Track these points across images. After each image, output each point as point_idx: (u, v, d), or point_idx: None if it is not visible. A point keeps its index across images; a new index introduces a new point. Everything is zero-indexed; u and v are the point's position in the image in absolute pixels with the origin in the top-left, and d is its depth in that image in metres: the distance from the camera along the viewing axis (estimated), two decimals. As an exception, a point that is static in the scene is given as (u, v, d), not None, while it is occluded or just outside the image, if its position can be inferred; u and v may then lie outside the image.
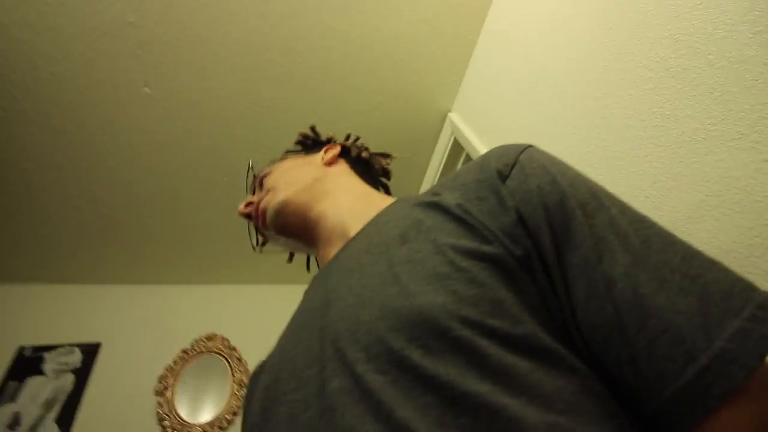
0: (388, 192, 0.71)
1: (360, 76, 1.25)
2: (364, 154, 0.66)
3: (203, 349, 1.66)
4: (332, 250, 0.49)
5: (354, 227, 0.47)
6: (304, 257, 0.71)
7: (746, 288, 0.26)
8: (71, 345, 1.49)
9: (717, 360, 0.24)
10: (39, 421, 1.28)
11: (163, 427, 1.43)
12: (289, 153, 0.69)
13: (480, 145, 1.21)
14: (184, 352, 1.62)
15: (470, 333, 0.27)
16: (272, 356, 0.40)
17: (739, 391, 0.24)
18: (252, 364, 1.62)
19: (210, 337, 1.70)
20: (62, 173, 1.24)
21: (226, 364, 1.65)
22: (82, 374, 1.43)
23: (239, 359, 1.66)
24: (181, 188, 1.40)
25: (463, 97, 1.37)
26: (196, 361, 1.63)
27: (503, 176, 0.34)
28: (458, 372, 0.26)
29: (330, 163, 0.61)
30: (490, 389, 0.26)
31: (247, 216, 0.59)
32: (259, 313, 1.80)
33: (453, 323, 0.27)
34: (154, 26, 1.02)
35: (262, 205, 0.56)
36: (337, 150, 0.63)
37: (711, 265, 0.28)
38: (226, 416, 1.51)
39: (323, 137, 0.70)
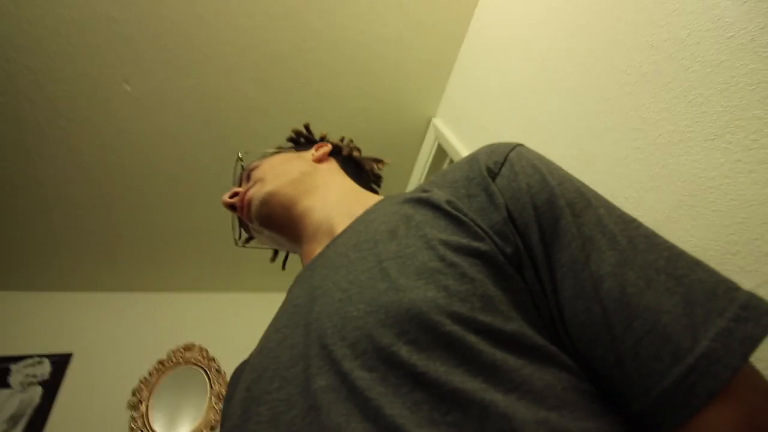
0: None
1: (344, 79, 1.25)
2: (355, 154, 0.66)
3: (180, 360, 1.60)
4: (317, 247, 0.48)
5: (341, 224, 0.47)
6: (292, 258, 0.70)
7: (730, 288, 0.26)
8: (40, 356, 1.42)
9: (702, 360, 0.24)
10: (1, 436, 1.21)
11: (136, 442, 1.37)
12: (280, 148, 0.68)
13: (464, 150, 1.22)
14: (161, 363, 1.56)
15: (460, 329, 0.27)
16: (254, 355, 0.38)
17: (724, 391, 0.24)
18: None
19: (188, 348, 1.64)
20: (32, 171, 1.19)
21: (205, 376, 1.59)
22: (50, 387, 1.35)
23: (218, 371, 1.60)
24: (157, 190, 1.36)
25: (446, 102, 1.39)
26: (172, 372, 1.57)
27: (493, 174, 0.34)
28: (448, 369, 0.26)
29: (320, 161, 0.61)
30: (480, 386, 0.25)
31: (231, 207, 0.57)
32: (239, 323, 1.75)
33: (443, 318, 0.27)
34: (136, 22, 1.00)
35: (247, 195, 0.54)
36: (328, 148, 0.63)
37: (695, 265, 0.28)
38: (204, 431, 1.45)
39: (317, 136, 0.70)
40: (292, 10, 1.08)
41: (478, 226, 0.32)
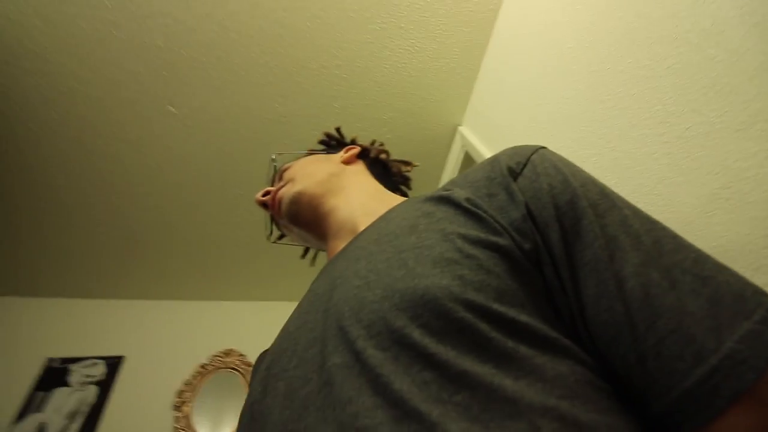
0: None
1: (369, 93, 1.29)
2: (383, 156, 0.67)
3: (220, 365, 1.68)
4: (341, 244, 0.50)
5: (364, 222, 0.49)
6: (321, 256, 0.72)
7: (757, 292, 0.26)
8: (96, 358, 1.54)
9: (726, 361, 0.24)
10: (63, 431, 1.31)
11: (179, 442, 1.44)
12: (312, 151, 0.71)
13: (490, 155, 1.21)
14: (202, 367, 1.64)
15: (473, 316, 0.27)
16: (276, 340, 0.40)
17: (747, 393, 0.23)
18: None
19: (227, 353, 1.71)
20: (91, 190, 1.31)
21: (242, 379, 1.65)
22: (104, 386, 1.46)
23: (252, 372, 1.66)
24: (201, 204, 1.46)
25: (472, 110, 1.40)
26: (213, 376, 1.64)
27: (514, 174, 0.34)
28: (458, 353, 0.26)
29: (348, 162, 0.62)
30: (490, 370, 0.26)
31: (264, 205, 0.61)
32: (275, 330, 1.80)
33: (456, 305, 0.28)
34: (179, 49, 1.09)
35: (279, 194, 0.58)
36: (356, 150, 0.65)
37: (722, 268, 0.28)
38: (241, 433, 1.50)
39: (347, 139, 0.72)
40: (319, 30, 1.14)
41: (497, 222, 0.32)
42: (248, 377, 1.65)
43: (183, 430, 1.46)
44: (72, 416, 1.35)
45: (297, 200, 0.55)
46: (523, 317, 0.28)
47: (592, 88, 0.82)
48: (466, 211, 0.34)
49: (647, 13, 0.69)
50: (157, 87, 1.15)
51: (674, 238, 0.30)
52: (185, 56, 1.11)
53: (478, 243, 0.31)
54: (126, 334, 1.63)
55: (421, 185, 1.57)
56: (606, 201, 0.32)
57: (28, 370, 1.41)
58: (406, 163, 0.71)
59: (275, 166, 0.69)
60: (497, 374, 0.25)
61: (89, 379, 1.44)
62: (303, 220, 0.56)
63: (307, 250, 0.73)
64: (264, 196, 0.61)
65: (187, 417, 1.49)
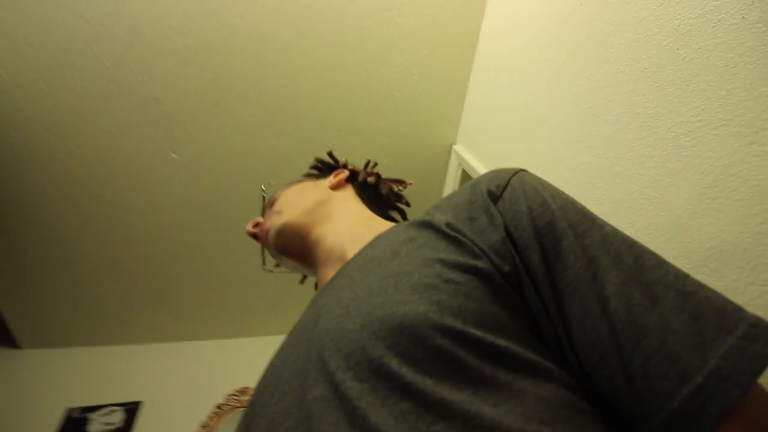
0: (404, 218, 0.71)
1: (362, 122, 1.32)
2: (371, 180, 0.66)
3: (237, 404, 1.65)
4: (330, 272, 0.50)
5: (352, 250, 0.48)
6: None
7: (738, 308, 0.26)
8: (114, 405, 1.54)
9: (712, 378, 0.24)
10: (82, 482, 1.31)
11: (198, 487, 1.41)
12: (304, 177, 0.71)
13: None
14: (218, 407, 1.62)
15: (450, 342, 0.27)
16: (263, 373, 0.40)
17: (733, 410, 0.23)
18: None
19: (243, 391, 1.70)
20: (100, 239, 1.36)
21: (260, 417, 1.63)
22: (123, 433, 1.46)
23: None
24: (209, 243, 1.49)
25: (464, 128, 1.41)
26: (229, 416, 1.62)
27: (494, 197, 0.35)
28: (436, 381, 0.26)
29: (336, 187, 0.62)
30: (468, 398, 0.25)
31: (254, 236, 0.61)
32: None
33: (433, 332, 0.28)
34: (176, 98, 1.15)
35: (266, 225, 0.58)
36: (344, 175, 0.64)
37: (702, 285, 0.28)
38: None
39: (340, 162, 0.72)
40: (308, 68, 1.19)
41: (476, 245, 0.33)
42: (265, 415, 1.62)
43: (202, 474, 1.43)
44: (92, 466, 1.34)
45: (283, 232, 0.55)
46: (502, 341, 0.28)
47: (574, 97, 0.82)
48: (446, 236, 0.34)
49: (617, 20, 0.70)
50: (158, 136, 1.20)
51: (654, 255, 0.30)
52: (182, 104, 1.17)
53: (457, 267, 0.31)
54: (142, 378, 1.64)
55: (422, 206, 1.57)
56: (585, 221, 0.32)
57: (49, 422, 1.43)
58: (399, 182, 0.70)
59: (264, 197, 0.70)
60: (475, 402, 0.25)
61: (108, 427, 1.45)
62: (291, 250, 0.56)
63: (305, 277, 0.72)
64: (255, 227, 0.61)
65: (205, 460, 1.46)
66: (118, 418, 1.50)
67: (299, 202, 0.58)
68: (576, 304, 0.29)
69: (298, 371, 0.33)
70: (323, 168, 0.73)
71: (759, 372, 0.24)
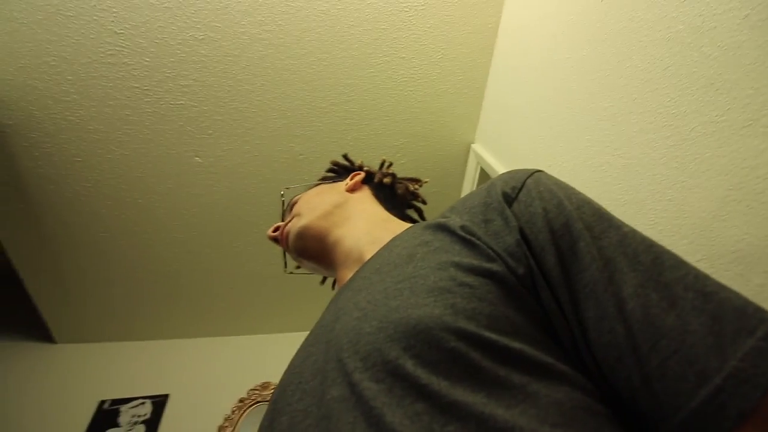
0: (422, 217, 0.72)
1: (380, 123, 1.33)
2: (386, 180, 0.66)
3: (258, 398, 1.70)
4: (349, 273, 0.51)
5: (369, 251, 0.49)
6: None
7: (759, 309, 0.26)
8: (143, 397, 1.61)
9: (731, 380, 0.23)
10: (115, 472, 1.38)
11: (223, 479, 1.46)
12: (320, 180, 0.72)
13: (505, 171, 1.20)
14: (241, 401, 1.67)
15: (464, 345, 0.28)
16: (284, 372, 0.42)
17: (754, 412, 0.23)
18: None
19: (265, 386, 1.74)
20: (129, 241, 1.43)
21: (282, 413, 1.67)
22: (152, 425, 1.52)
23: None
24: (232, 244, 1.53)
25: (483, 127, 1.40)
26: (252, 410, 1.67)
27: (509, 199, 0.35)
28: (450, 383, 0.27)
29: (353, 190, 0.62)
30: (482, 400, 0.26)
31: (275, 240, 0.62)
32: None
33: (447, 334, 0.28)
34: (200, 105, 1.19)
35: (286, 229, 0.59)
36: (360, 177, 0.65)
37: (722, 285, 0.28)
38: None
39: (355, 164, 0.72)
40: (325, 71, 1.21)
41: (491, 248, 0.33)
42: (286, 411, 1.66)
43: (226, 466, 1.48)
44: (123, 456, 1.41)
45: (302, 235, 0.56)
46: (516, 344, 0.28)
47: (593, 95, 0.80)
48: (461, 239, 0.34)
49: (639, 17, 0.69)
50: (183, 141, 1.25)
51: (673, 255, 0.30)
52: (206, 111, 1.21)
53: (471, 271, 0.31)
54: (169, 372, 1.71)
55: (441, 205, 1.57)
56: (602, 222, 0.32)
57: (83, 414, 1.51)
58: (416, 181, 0.70)
59: (284, 201, 0.72)
60: (489, 404, 0.25)
61: (138, 419, 1.51)
62: (310, 253, 0.58)
63: (325, 278, 0.73)
64: (275, 231, 0.63)
65: (230, 453, 1.51)
66: (146, 410, 1.56)
67: (317, 205, 0.59)
68: (592, 306, 0.29)
69: (317, 371, 0.34)
70: (339, 171, 0.74)
71: None
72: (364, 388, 0.28)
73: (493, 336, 0.28)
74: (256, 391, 1.70)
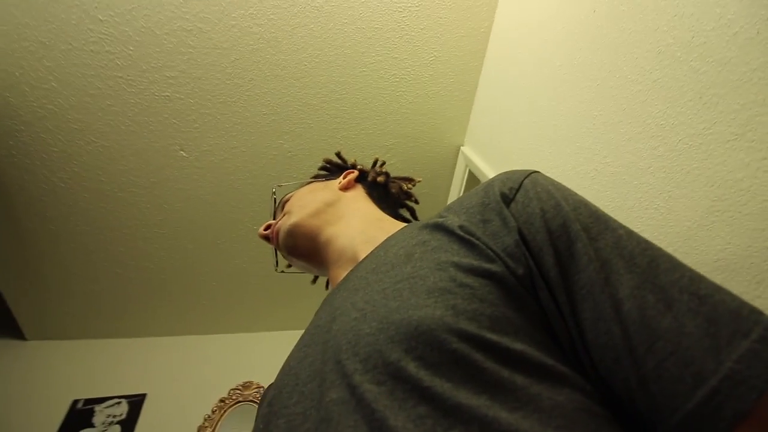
0: (414, 216, 0.71)
1: (371, 121, 1.33)
2: (380, 179, 0.66)
3: (240, 398, 1.68)
4: (342, 273, 0.50)
5: (364, 251, 0.48)
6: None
7: (754, 310, 0.26)
8: (119, 397, 1.56)
9: (727, 382, 0.24)
10: (88, 474, 1.33)
11: (202, 480, 1.43)
12: (313, 178, 0.71)
13: (493, 175, 1.22)
14: (222, 401, 1.64)
15: (467, 346, 0.27)
16: (279, 374, 0.41)
17: (749, 414, 0.23)
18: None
19: (246, 386, 1.72)
20: (109, 234, 1.38)
21: (263, 413, 1.65)
22: (127, 425, 1.48)
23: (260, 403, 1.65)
24: (216, 240, 1.50)
25: (472, 130, 1.41)
26: (232, 410, 1.64)
27: (507, 200, 0.35)
28: (453, 385, 0.26)
29: (346, 188, 0.62)
30: (485, 402, 0.25)
31: (266, 238, 0.61)
32: (293, 360, 1.80)
33: (449, 336, 0.28)
34: (186, 98, 1.16)
35: (276, 227, 0.58)
36: (354, 175, 0.64)
37: (718, 287, 0.28)
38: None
39: (348, 163, 0.72)
40: (317, 68, 1.19)
41: (490, 248, 0.33)
42: (268, 411, 1.64)
43: (205, 467, 1.45)
44: (97, 458, 1.36)
45: (292, 233, 0.56)
46: (518, 345, 0.28)
47: (584, 103, 0.82)
48: (460, 238, 0.34)
49: (630, 29, 0.70)
50: (167, 134, 1.21)
51: (669, 257, 0.30)
52: (192, 103, 1.18)
53: (471, 271, 0.31)
54: (147, 371, 1.66)
55: (428, 207, 1.58)
56: (599, 224, 0.32)
57: (55, 414, 1.45)
58: (409, 180, 0.70)
59: (275, 199, 0.70)
60: (492, 406, 0.25)
61: (113, 419, 1.47)
62: (301, 251, 0.57)
63: (316, 278, 0.72)
64: (266, 229, 0.62)
65: (209, 454, 1.48)
66: (122, 410, 1.52)
67: (308, 203, 0.58)
68: (589, 307, 0.29)
69: (315, 373, 0.33)
70: (332, 168, 0.73)
71: None
72: (365, 390, 0.28)
73: (495, 337, 0.28)
74: (238, 391, 1.67)
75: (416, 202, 0.72)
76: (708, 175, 0.55)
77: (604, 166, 0.76)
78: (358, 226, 0.54)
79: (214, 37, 1.09)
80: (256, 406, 1.65)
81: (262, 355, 1.83)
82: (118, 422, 1.46)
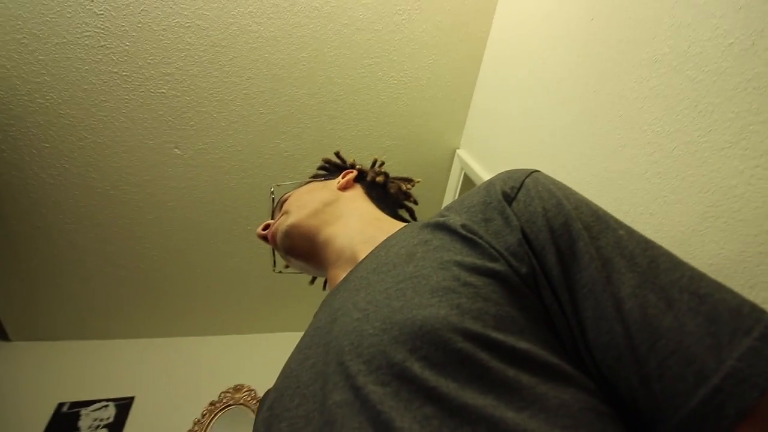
0: (413, 217, 0.71)
1: (367, 124, 1.33)
2: (379, 179, 0.66)
3: (231, 402, 1.65)
4: (341, 273, 0.50)
5: (363, 251, 0.48)
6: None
7: (755, 308, 0.26)
8: (106, 400, 1.53)
9: (729, 380, 0.24)
10: (72, 478, 1.30)
11: (190, 484, 1.40)
12: (311, 178, 0.71)
13: (488, 178, 1.23)
14: (212, 404, 1.62)
15: (472, 346, 0.27)
16: (279, 377, 0.40)
17: (751, 412, 0.23)
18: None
19: (237, 389, 1.69)
20: (99, 232, 1.35)
21: (253, 415, 1.63)
22: (115, 429, 1.45)
23: (258, 407, 1.63)
24: (209, 240, 1.48)
25: (468, 134, 1.42)
26: (223, 413, 1.62)
27: (509, 199, 0.35)
28: (459, 385, 0.26)
29: (345, 188, 0.62)
30: (491, 402, 0.25)
31: (264, 238, 0.61)
32: (285, 362, 1.79)
33: (454, 335, 0.28)
34: (182, 95, 1.15)
35: (274, 227, 0.58)
36: (352, 175, 0.64)
37: (718, 286, 0.28)
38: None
39: (347, 162, 0.72)
40: (315, 68, 1.19)
41: (493, 247, 0.33)
42: (259, 413, 1.62)
43: (194, 471, 1.43)
44: (83, 462, 1.33)
45: (290, 233, 0.55)
46: (523, 344, 0.28)
47: (581, 108, 0.83)
48: (463, 237, 0.34)
49: (627, 37, 0.72)
50: (162, 131, 1.19)
51: (669, 256, 0.30)
52: (189, 101, 1.16)
53: (474, 270, 0.31)
54: (135, 373, 1.63)
55: (424, 208, 1.58)
56: (600, 223, 0.32)
57: (39, 416, 1.41)
58: (408, 180, 0.70)
59: (273, 199, 0.70)
60: (499, 406, 0.25)
61: (100, 423, 1.44)
62: (299, 251, 0.56)
63: (314, 279, 0.72)
64: (264, 229, 0.61)
65: (198, 457, 1.46)
66: (109, 413, 1.49)
67: (307, 203, 0.58)
68: (591, 306, 0.29)
69: (317, 375, 0.33)
70: (331, 168, 0.73)
71: None
72: (370, 391, 0.27)
73: (501, 336, 0.28)
74: (229, 394, 1.65)
75: (415, 202, 0.72)
76: (703, 181, 0.57)
77: (600, 170, 0.78)
78: (356, 226, 0.54)
79: (213, 35, 1.08)
80: (248, 410, 1.63)
81: (254, 357, 1.81)
82: (105, 426, 1.43)
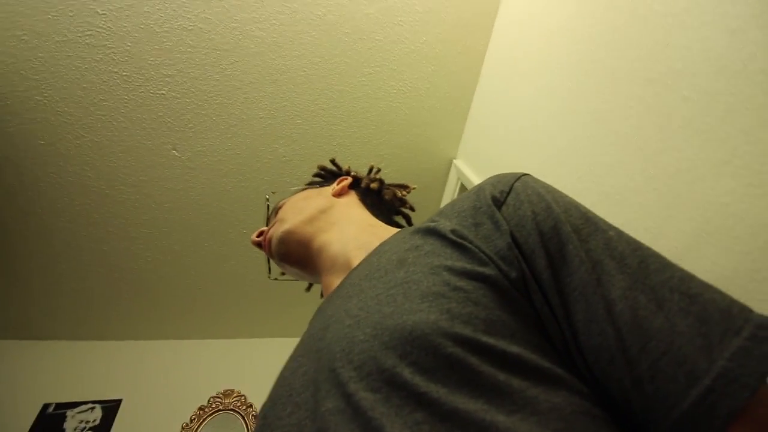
0: (409, 223, 0.71)
1: (366, 131, 1.34)
2: (374, 185, 0.66)
3: (220, 406, 1.63)
4: (335, 280, 0.50)
5: (357, 257, 0.48)
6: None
7: (744, 309, 0.27)
8: (93, 402, 1.50)
9: (720, 380, 0.24)
10: (54, 482, 1.27)
11: (176, 491, 1.38)
12: (307, 185, 0.71)
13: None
14: (201, 409, 1.60)
15: (462, 350, 0.27)
16: (273, 386, 0.40)
17: (743, 411, 0.23)
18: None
19: (227, 394, 1.68)
20: (92, 232, 1.34)
21: (243, 422, 1.61)
22: (100, 432, 1.43)
23: (255, 416, 1.62)
24: (204, 243, 1.47)
25: (465, 144, 1.44)
26: (212, 419, 1.60)
27: (498, 203, 0.35)
28: (449, 390, 0.26)
29: (339, 195, 0.62)
30: (482, 407, 0.25)
31: (258, 245, 0.61)
32: (276, 368, 1.77)
33: (444, 340, 0.28)
34: (182, 97, 1.15)
35: (268, 234, 0.58)
36: (347, 182, 0.64)
37: (708, 286, 0.28)
38: (240, 479, 1.45)
39: (342, 169, 0.72)
40: (316, 75, 1.20)
41: (483, 252, 0.33)
42: (249, 419, 1.60)
43: (180, 477, 1.41)
44: (66, 465, 1.30)
45: (285, 240, 0.55)
46: (514, 348, 0.28)
47: (578, 123, 0.85)
48: (452, 242, 0.34)
49: (624, 56, 0.73)
50: (160, 133, 1.19)
51: (659, 257, 0.30)
52: (188, 103, 1.16)
53: (464, 275, 0.31)
54: (123, 376, 1.61)
55: (420, 218, 1.59)
56: (589, 225, 0.32)
57: (24, 418, 1.38)
58: (403, 187, 0.70)
59: (268, 206, 0.70)
60: (489, 410, 0.25)
61: (86, 425, 1.41)
62: (293, 258, 0.56)
63: (310, 285, 0.72)
64: (259, 236, 0.61)
65: (184, 463, 1.44)
66: (96, 415, 1.46)
67: (302, 210, 0.58)
68: (582, 309, 0.29)
69: (309, 382, 0.33)
70: (326, 175, 0.73)
71: (767, 373, 0.24)
72: (360, 398, 0.27)
73: (491, 340, 0.28)
74: (218, 399, 1.63)
75: (411, 209, 0.72)
76: (696, 198, 0.58)
77: (596, 185, 0.79)
78: (351, 232, 0.54)
79: (215, 38, 1.09)
80: (237, 416, 1.61)
81: (246, 362, 1.79)
82: (91, 428, 1.40)
